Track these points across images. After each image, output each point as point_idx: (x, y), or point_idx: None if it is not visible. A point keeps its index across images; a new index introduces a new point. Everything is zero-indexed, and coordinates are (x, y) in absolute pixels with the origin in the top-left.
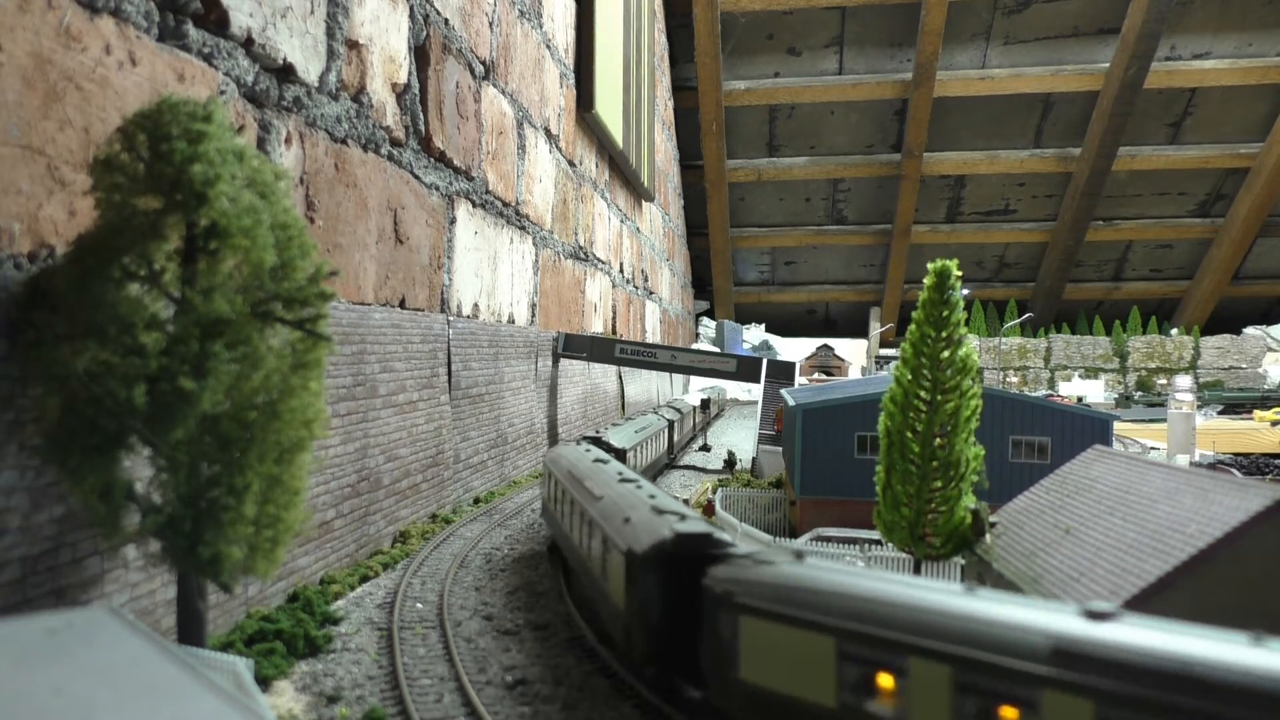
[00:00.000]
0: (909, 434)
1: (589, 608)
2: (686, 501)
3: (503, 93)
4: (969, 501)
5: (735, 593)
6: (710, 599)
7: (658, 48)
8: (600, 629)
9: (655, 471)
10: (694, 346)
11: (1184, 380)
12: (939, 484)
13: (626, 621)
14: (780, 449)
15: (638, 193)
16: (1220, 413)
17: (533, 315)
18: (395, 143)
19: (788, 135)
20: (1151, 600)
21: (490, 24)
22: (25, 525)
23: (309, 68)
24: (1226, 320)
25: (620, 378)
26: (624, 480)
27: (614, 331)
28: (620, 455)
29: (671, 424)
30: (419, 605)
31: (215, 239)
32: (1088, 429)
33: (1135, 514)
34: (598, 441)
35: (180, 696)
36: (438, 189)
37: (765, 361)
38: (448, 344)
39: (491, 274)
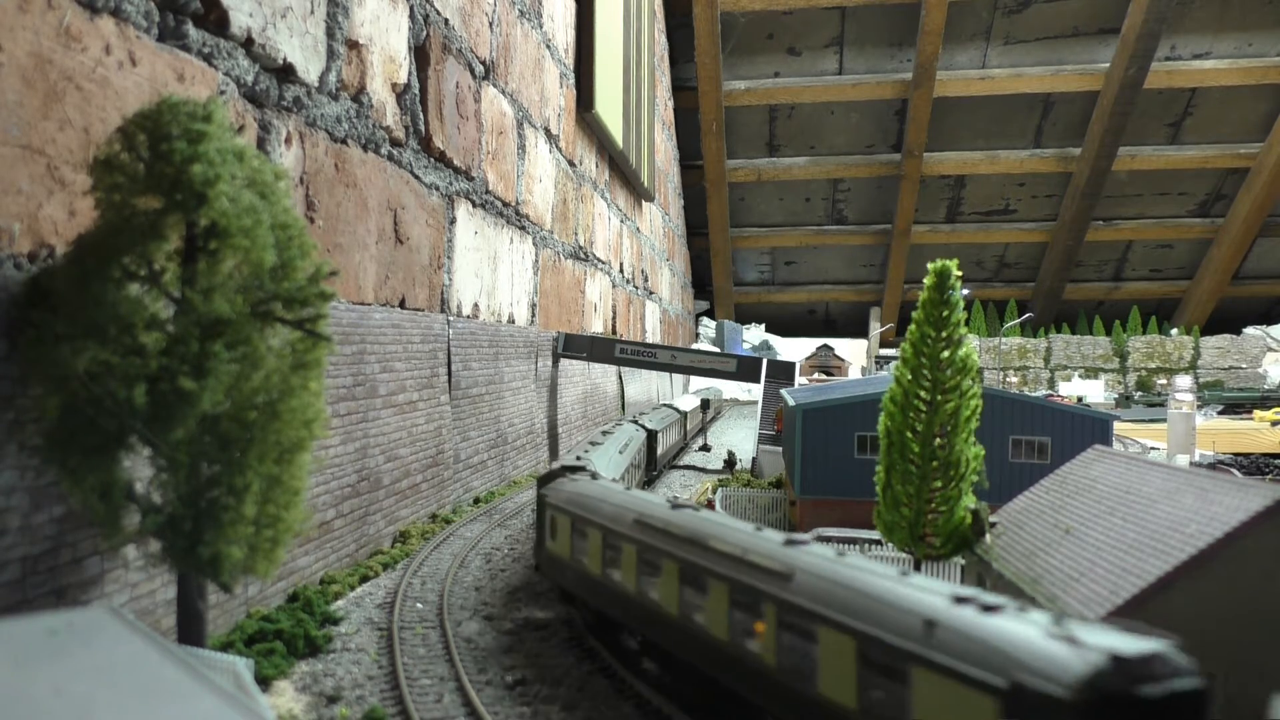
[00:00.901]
0: (909, 434)
1: None
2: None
3: (503, 93)
4: (969, 501)
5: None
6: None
7: (658, 48)
8: None
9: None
10: (694, 346)
11: (1184, 380)
12: (939, 484)
13: None
14: (780, 449)
15: (638, 193)
16: (1220, 413)
17: (533, 315)
18: (395, 143)
19: (788, 135)
20: (1151, 600)
21: (490, 24)
22: (25, 525)
23: (309, 68)
24: (1226, 320)
25: (620, 378)
26: (788, 542)
27: (614, 331)
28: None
29: (653, 434)
30: (419, 605)
31: (215, 239)
32: (1088, 429)
33: (1135, 514)
34: (581, 469)
35: (180, 696)
36: (438, 189)
37: (765, 361)
38: (448, 344)
39: (491, 274)
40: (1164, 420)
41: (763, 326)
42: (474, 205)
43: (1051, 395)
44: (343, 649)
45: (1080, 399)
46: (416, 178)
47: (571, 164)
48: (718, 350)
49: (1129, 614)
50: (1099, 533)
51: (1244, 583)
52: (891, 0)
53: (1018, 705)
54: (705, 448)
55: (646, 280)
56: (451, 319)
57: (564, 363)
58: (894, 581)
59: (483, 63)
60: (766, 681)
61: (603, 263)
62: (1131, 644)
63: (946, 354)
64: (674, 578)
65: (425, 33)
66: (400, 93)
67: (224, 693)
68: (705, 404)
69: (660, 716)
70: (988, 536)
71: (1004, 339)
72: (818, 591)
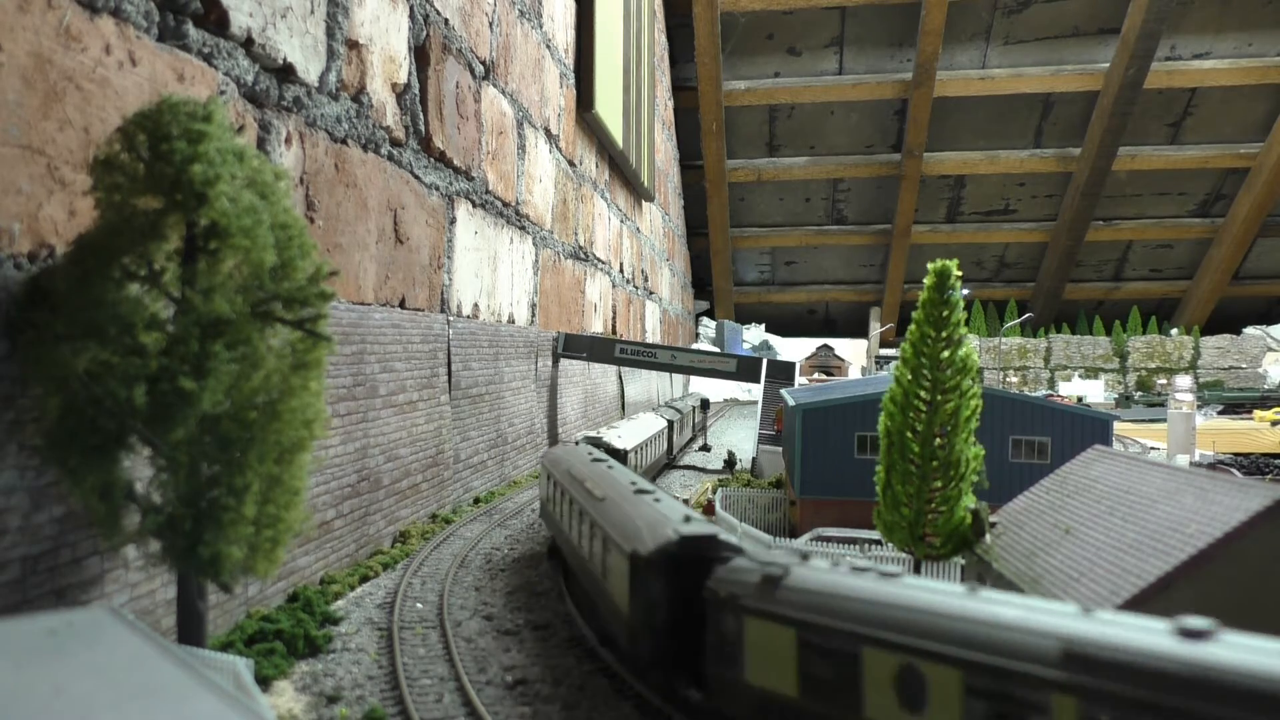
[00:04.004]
0: (909, 434)
1: (590, 608)
2: (687, 502)
3: (503, 93)
4: (969, 501)
5: (740, 595)
6: (715, 602)
7: (658, 48)
8: (601, 630)
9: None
10: (694, 346)
11: (1184, 380)
12: (939, 484)
13: (630, 624)
14: (780, 449)
15: (638, 193)
16: (1220, 413)
17: (533, 315)
18: (395, 143)
19: (788, 135)
20: (1151, 600)
21: (490, 24)
22: (25, 525)
23: (309, 68)
24: (1226, 320)
25: (620, 378)
26: (628, 483)
27: (614, 331)
28: (621, 457)
29: (671, 424)
30: (419, 605)
31: (215, 239)
32: (1088, 429)
33: (1135, 514)
34: (597, 442)
35: (180, 696)
36: (438, 189)
37: (765, 361)
38: (448, 344)
39: (491, 274)
40: (1164, 420)
41: (763, 326)
42: (474, 205)
43: (1051, 395)
44: (343, 649)
45: (1080, 399)
46: (416, 178)
47: (571, 164)
48: (718, 350)
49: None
50: (1099, 533)
51: (1244, 582)
52: (891, 0)
53: (634, 561)
54: (705, 448)
55: (646, 280)
56: (451, 319)
57: (564, 363)
58: (636, 503)
59: (483, 63)
60: (584, 564)
61: (603, 263)
62: (700, 529)
63: (946, 354)
64: (570, 508)
65: (425, 33)
66: (400, 93)
67: (224, 693)
68: (705, 403)
69: (660, 716)
70: (988, 536)
71: (1004, 339)
72: (608, 511)
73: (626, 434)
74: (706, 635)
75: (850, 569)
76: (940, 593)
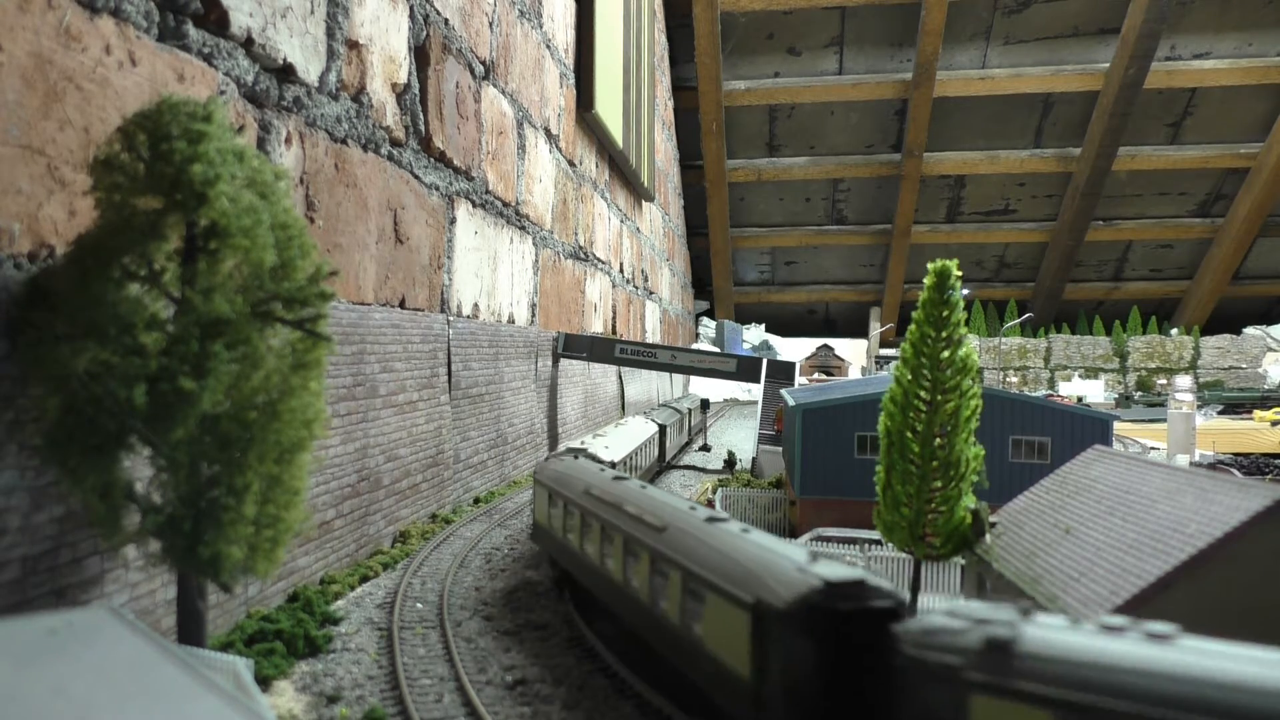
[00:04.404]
0: (909, 434)
1: (644, 657)
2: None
3: (503, 93)
4: (969, 501)
5: (959, 665)
6: (917, 672)
7: (658, 48)
8: (673, 687)
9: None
10: (694, 346)
11: (1184, 380)
12: (939, 484)
13: (759, 696)
14: (780, 449)
15: (638, 193)
16: (1220, 413)
17: (533, 315)
18: (395, 143)
19: (788, 135)
20: (1151, 600)
21: (490, 24)
22: (25, 525)
23: (309, 68)
24: (1226, 320)
25: (620, 378)
26: (684, 506)
27: (614, 331)
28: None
29: (664, 429)
30: (419, 605)
31: (215, 239)
32: (1088, 429)
33: (1135, 514)
34: (581, 453)
35: (180, 696)
36: (438, 189)
37: (765, 361)
38: (448, 344)
39: (491, 274)
40: (1164, 420)
41: (763, 326)
42: (474, 205)
43: (1051, 395)
44: (343, 649)
45: (1080, 399)
46: (416, 178)
47: (571, 164)
48: (718, 350)
49: (1129, 614)
50: (1099, 533)
51: (1244, 583)
52: (891, 0)
53: (763, 614)
54: (705, 448)
55: (646, 280)
56: (451, 319)
57: (564, 363)
58: (722, 532)
59: (483, 63)
60: (643, 611)
61: (603, 263)
62: (841, 573)
63: (946, 354)
64: (598, 535)
65: (425, 33)
66: (400, 93)
67: (224, 693)
68: (705, 404)
69: (660, 717)
70: (988, 536)
71: (1004, 339)
72: (685, 543)
73: (614, 443)
74: (901, 715)
75: (1099, 628)
76: (1244, 660)
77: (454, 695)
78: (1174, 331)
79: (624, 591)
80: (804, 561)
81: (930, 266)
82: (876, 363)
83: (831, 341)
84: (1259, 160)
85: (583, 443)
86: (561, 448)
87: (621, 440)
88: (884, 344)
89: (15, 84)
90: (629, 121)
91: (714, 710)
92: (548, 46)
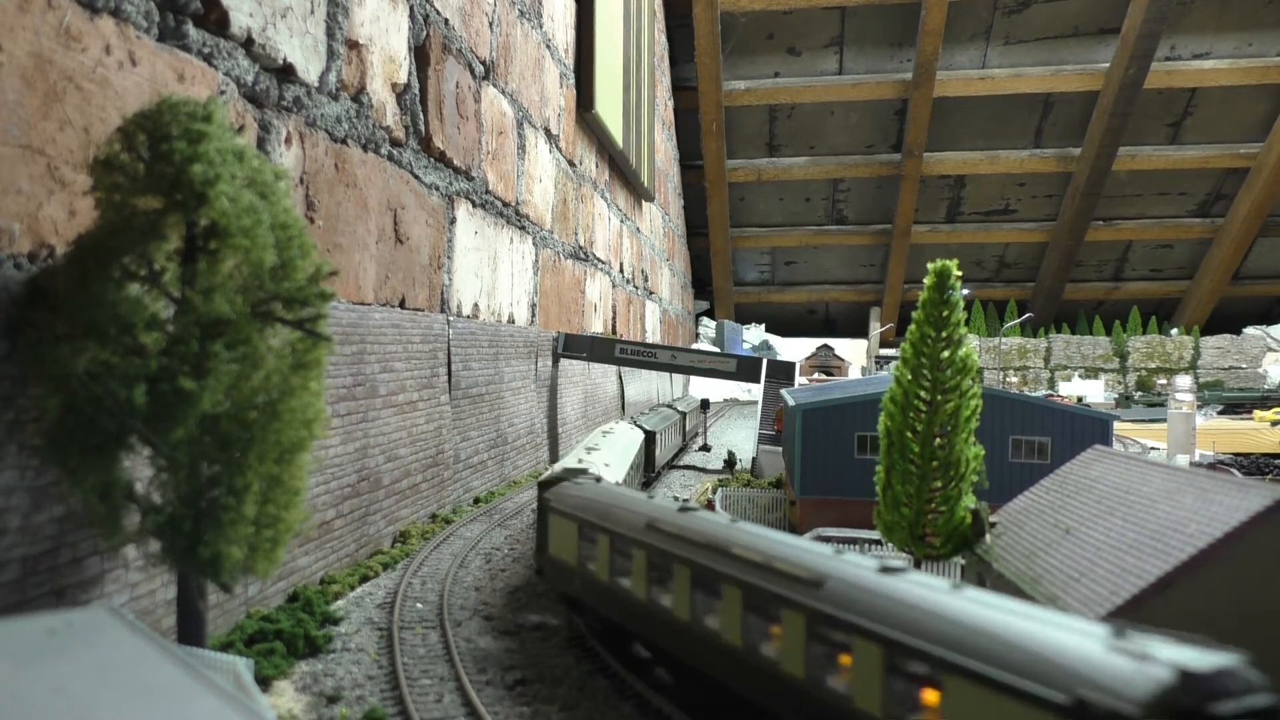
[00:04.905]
0: (909, 434)
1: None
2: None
3: (503, 93)
4: (969, 501)
5: None
6: None
7: (658, 48)
8: None
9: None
10: (694, 346)
11: (1184, 380)
12: (939, 484)
13: None
14: (780, 449)
15: (638, 193)
16: (1220, 413)
17: (533, 315)
18: (395, 143)
19: (788, 135)
20: (1151, 600)
21: (490, 24)
22: (25, 525)
23: (309, 68)
24: (1226, 320)
25: (620, 378)
26: (822, 550)
27: (614, 331)
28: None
29: (652, 436)
30: (419, 605)
31: (215, 239)
32: (1088, 429)
33: (1135, 514)
34: (579, 472)
35: (180, 696)
36: (438, 189)
37: (765, 361)
38: (448, 344)
39: (491, 274)
40: (1164, 420)
41: (763, 326)
42: (474, 205)
43: (1051, 395)
44: (343, 649)
45: (1080, 399)
46: (416, 178)
47: (571, 164)
48: (718, 350)
49: (1129, 614)
50: (1099, 533)
51: (1244, 583)
52: (891, 0)
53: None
54: (705, 448)
55: (646, 280)
56: (451, 319)
57: (564, 363)
58: (930, 590)
59: (483, 63)
60: (791, 690)
61: (603, 263)
62: (1200, 659)
63: (946, 354)
64: (686, 583)
65: (425, 33)
66: (400, 93)
67: (224, 693)
68: (705, 403)
69: (660, 717)
70: (988, 536)
71: (1004, 339)
72: (869, 604)
73: (612, 459)
74: None
75: None
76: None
77: (454, 695)
78: (1174, 331)
79: (741, 659)
80: (1113, 636)
81: (930, 266)
82: (876, 363)
83: (831, 341)
84: (1259, 160)
85: (580, 461)
86: (558, 468)
87: (616, 454)
88: (884, 344)
89: (15, 84)
90: (629, 121)
91: None
92: (548, 46)
